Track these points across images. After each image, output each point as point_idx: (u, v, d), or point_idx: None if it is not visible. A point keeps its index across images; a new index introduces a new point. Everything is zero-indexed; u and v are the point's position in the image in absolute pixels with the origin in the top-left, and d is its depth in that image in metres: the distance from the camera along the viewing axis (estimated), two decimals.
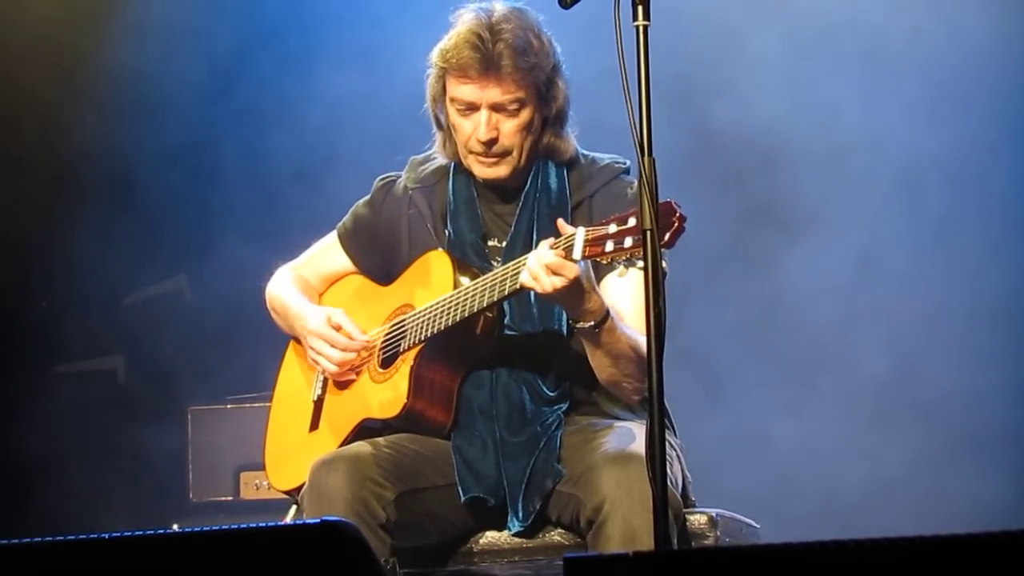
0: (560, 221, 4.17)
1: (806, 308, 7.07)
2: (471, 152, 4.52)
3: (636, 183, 3.70)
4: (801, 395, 7.02)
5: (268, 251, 5.14)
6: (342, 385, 4.67)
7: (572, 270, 4.10)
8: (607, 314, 4.23)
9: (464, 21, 4.48)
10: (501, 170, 4.52)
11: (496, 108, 4.45)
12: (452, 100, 4.49)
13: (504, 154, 4.49)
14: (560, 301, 4.22)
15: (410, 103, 4.70)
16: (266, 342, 5.18)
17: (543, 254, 4.14)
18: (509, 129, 4.47)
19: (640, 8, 3.61)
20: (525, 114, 4.46)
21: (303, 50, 7.45)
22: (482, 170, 4.53)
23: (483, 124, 4.45)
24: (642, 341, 4.24)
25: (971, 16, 6.92)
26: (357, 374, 4.63)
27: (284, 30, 7.48)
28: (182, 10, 7.36)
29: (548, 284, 4.12)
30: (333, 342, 4.61)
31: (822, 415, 7.00)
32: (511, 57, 4.40)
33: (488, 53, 4.40)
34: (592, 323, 4.22)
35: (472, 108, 4.46)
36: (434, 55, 4.51)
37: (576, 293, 4.15)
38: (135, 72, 7.34)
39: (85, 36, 7.27)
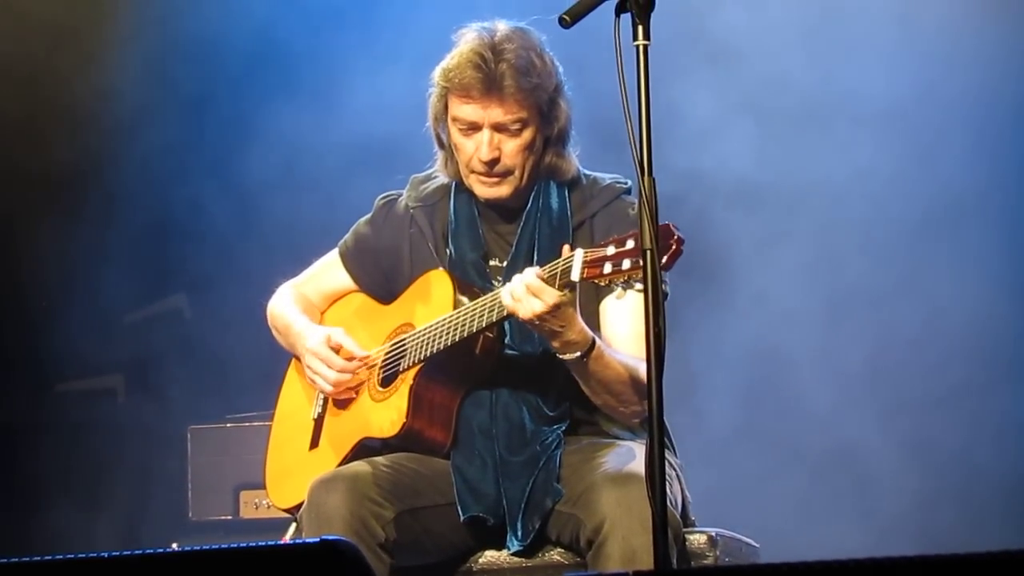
0: (566, 247, 4.17)
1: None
2: (472, 172, 4.52)
3: (637, 203, 3.70)
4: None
5: (269, 269, 5.14)
6: (342, 404, 4.67)
7: (552, 295, 4.11)
8: (592, 343, 4.23)
9: (467, 41, 4.48)
10: (502, 190, 4.52)
11: (498, 128, 4.45)
12: (454, 120, 4.49)
13: (506, 174, 4.49)
14: (541, 328, 4.21)
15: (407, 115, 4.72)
16: (266, 361, 5.19)
17: (525, 275, 4.15)
18: (511, 149, 4.47)
19: (640, 28, 3.62)
20: (527, 134, 4.46)
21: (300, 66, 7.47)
22: (483, 190, 4.53)
23: (485, 144, 4.45)
24: (636, 365, 4.25)
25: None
26: (357, 393, 4.63)
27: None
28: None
29: (527, 308, 4.12)
30: (330, 363, 4.61)
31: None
32: (513, 77, 4.40)
33: (490, 73, 4.40)
34: (578, 354, 4.23)
35: (474, 128, 4.46)
36: (436, 74, 4.51)
37: (558, 320, 4.16)
38: (127, 92, 7.35)
39: (81, 48, 7.29)
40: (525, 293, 4.13)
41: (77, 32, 7.28)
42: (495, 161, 4.47)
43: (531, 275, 4.13)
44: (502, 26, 4.51)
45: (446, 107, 4.52)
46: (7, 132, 7.22)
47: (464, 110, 4.46)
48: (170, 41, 7.37)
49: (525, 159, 4.49)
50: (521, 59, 4.42)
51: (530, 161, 4.50)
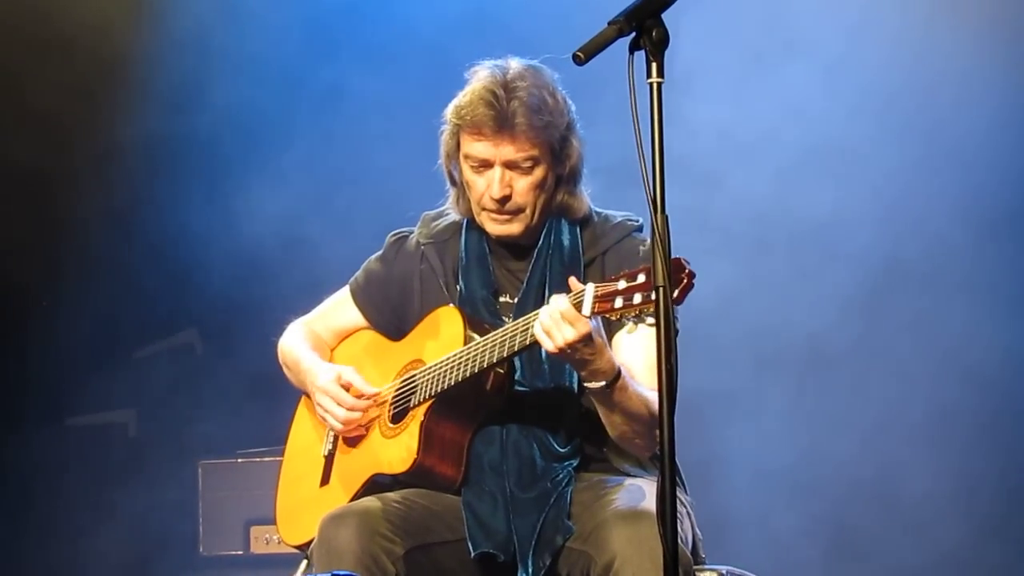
0: (572, 279, 4.17)
1: None
2: (484, 209, 4.52)
3: (648, 241, 3.70)
4: None
5: (280, 305, 5.15)
6: (353, 440, 4.67)
7: (584, 324, 4.10)
8: (618, 373, 4.22)
9: (479, 78, 4.48)
10: (514, 227, 4.52)
11: (510, 166, 4.45)
12: (466, 157, 4.49)
13: (517, 211, 4.49)
14: (571, 358, 4.19)
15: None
16: (277, 396, 5.19)
17: (558, 303, 4.13)
18: (522, 187, 4.46)
19: (654, 66, 3.62)
20: (539, 172, 4.46)
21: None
22: (495, 227, 4.53)
23: (496, 181, 4.45)
24: (652, 397, 4.24)
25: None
26: (368, 429, 4.62)
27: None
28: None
29: (560, 337, 4.11)
30: (340, 400, 4.61)
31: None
32: (525, 115, 4.40)
33: (502, 111, 4.40)
34: (604, 383, 4.21)
35: (486, 165, 4.46)
36: (449, 111, 4.51)
37: (587, 350, 4.15)
38: (142, 132, 7.40)
39: (91, 102, 7.36)
40: (559, 321, 4.11)
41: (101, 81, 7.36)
42: (506, 199, 4.47)
43: (564, 302, 4.12)
44: (515, 64, 4.51)
45: (458, 144, 4.52)
46: (22, 174, 7.28)
47: (476, 147, 4.46)
48: (173, 81, 7.42)
49: (536, 197, 4.49)
50: (533, 97, 4.42)
51: (541, 199, 4.50)
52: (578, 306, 4.07)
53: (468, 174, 4.51)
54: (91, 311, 7.47)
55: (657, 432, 3.68)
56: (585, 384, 4.25)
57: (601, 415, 4.33)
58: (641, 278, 3.94)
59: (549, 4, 7.03)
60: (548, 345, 4.14)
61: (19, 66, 7.22)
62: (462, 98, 4.49)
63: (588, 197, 4.60)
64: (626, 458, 4.49)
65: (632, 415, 4.28)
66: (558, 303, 4.12)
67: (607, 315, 4.03)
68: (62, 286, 7.44)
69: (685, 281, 3.83)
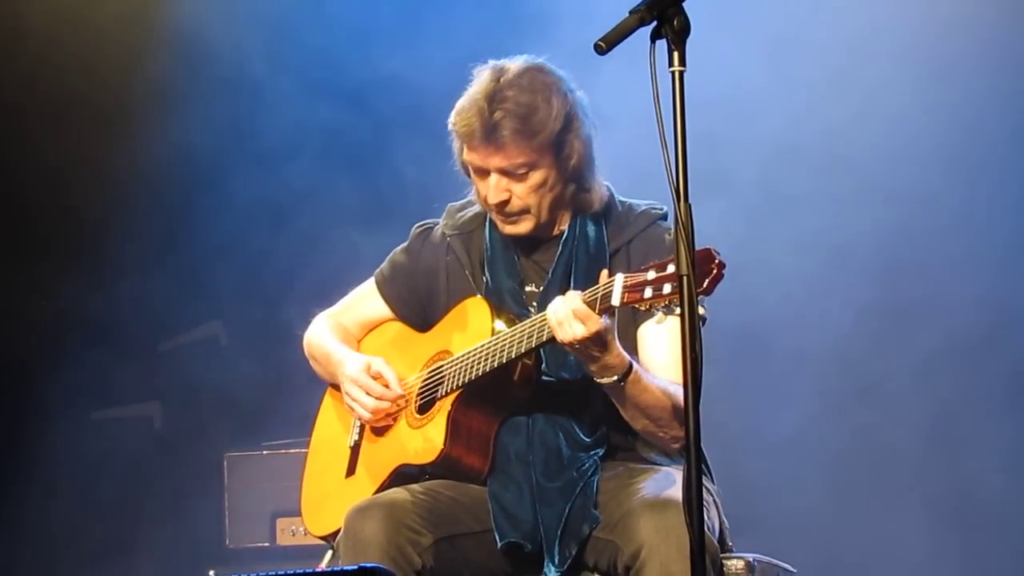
0: (604, 272, 4.16)
1: None
2: (490, 210, 4.53)
3: (673, 229, 3.69)
4: None
5: (304, 298, 5.15)
6: (379, 431, 4.67)
7: (596, 322, 4.10)
8: (630, 367, 4.23)
9: (477, 83, 4.46)
10: (521, 227, 4.51)
11: (504, 173, 4.43)
12: (466, 161, 4.51)
13: (521, 212, 4.48)
14: (581, 353, 4.21)
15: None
16: (302, 389, 5.19)
17: (571, 300, 4.13)
18: (521, 191, 4.45)
19: (676, 54, 3.62)
20: (536, 176, 4.43)
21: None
22: (503, 227, 4.53)
23: (492, 188, 4.44)
24: (674, 390, 4.24)
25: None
26: (395, 420, 4.63)
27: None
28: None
29: (569, 333, 4.11)
30: (369, 390, 4.62)
31: None
32: (510, 127, 4.37)
33: (487, 123, 4.38)
34: (616, 377, 4.22)
35: (482, 172, 4.46)
36: (452, 115, 4.50)
37: (598, 346, 4.15)
38: (168, 129, 7.43)
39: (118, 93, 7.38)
40: (570, 317, 4.12)
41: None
42: (505, 203, 4.46)
43: (577, 300, 4.13)
44: (513, 66, 4.47)
45: (462, 147, 4.52)
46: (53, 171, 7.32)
47: (470, 156, 4.47)
48: (196, 89, 7.45)
49: (540, 197, 4.47)
50: (521, 106, 4.38)
51: (547, 198, 4.48)
52: (607, 297, 4.07)
53: (473, 176, 4.52)
54: (114, 304, 7.48)
55: (681, 426, 3.70)
56: (596, 380, 4.26)
57: (620, 411, 4.34)
58: (671, 268, 3.94)
59: None
60: (559, 335, 4.15)
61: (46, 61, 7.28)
62: (460, 103, 4.48)
63: (606, 187, 4.58)
64: (653, 447, 4.49)
65: (649, 409, 4.29)
66: (573, 299, 4.12)
67: (636, 305, 4.03)
68: (85, 280, 7.46)
69: (715, 271, 3.83)
